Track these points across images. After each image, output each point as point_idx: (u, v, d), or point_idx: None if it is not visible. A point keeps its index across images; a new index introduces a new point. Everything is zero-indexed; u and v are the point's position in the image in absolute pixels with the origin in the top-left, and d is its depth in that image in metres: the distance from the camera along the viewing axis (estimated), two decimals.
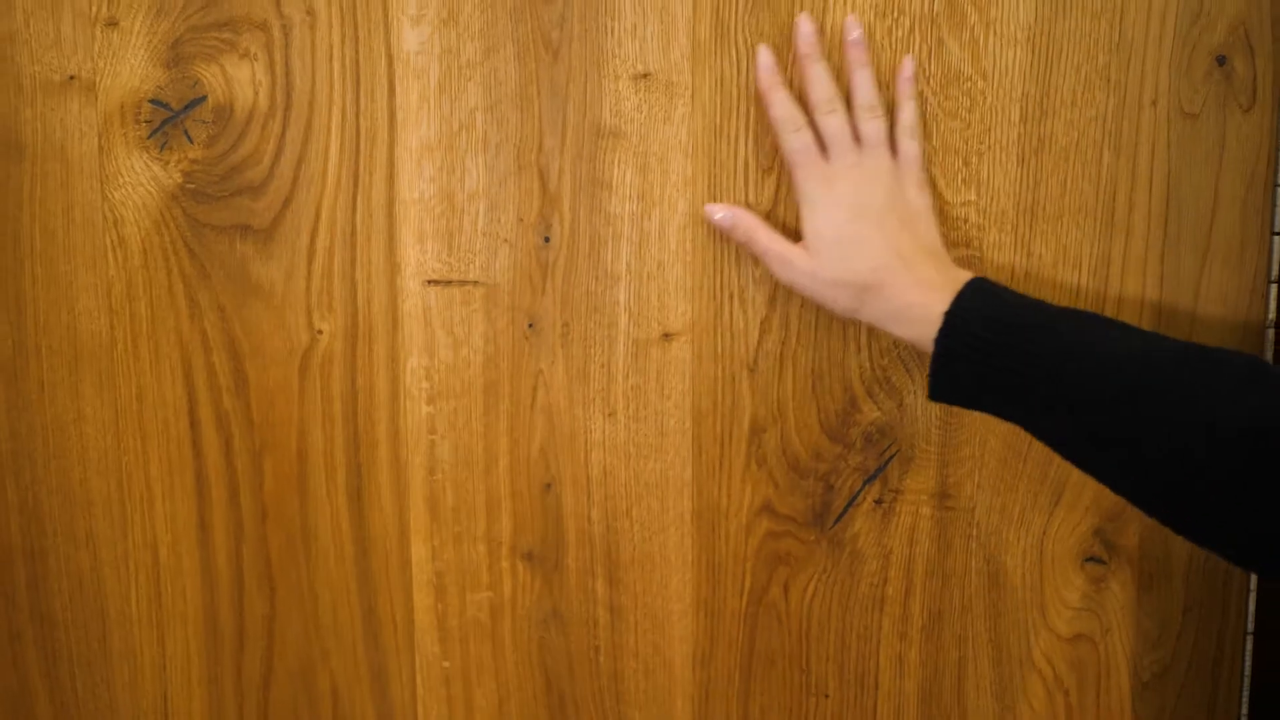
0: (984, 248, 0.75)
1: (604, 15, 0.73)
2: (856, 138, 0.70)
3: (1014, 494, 0.77)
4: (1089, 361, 0.60)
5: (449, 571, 0.79)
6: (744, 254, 0.75)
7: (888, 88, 0.72)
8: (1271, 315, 0.76)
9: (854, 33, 0.71)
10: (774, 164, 0.74)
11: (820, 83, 0.70)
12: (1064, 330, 0.62)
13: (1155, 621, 0.79)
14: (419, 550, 0.79)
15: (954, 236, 0.75)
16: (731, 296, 0.76)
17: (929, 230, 0.70)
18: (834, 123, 0.70)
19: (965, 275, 0.67)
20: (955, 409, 0.76)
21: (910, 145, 0.71)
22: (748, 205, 0.74)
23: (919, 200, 0.70)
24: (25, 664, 0.83)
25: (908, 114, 0.71)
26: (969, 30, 0.73)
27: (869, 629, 0.79)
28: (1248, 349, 0.75)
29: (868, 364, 0.76)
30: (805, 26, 0.71)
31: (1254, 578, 0.78)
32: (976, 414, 0.75)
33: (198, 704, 0.82)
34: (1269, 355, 0.75)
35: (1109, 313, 0.75)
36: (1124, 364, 0.59)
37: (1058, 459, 0.75)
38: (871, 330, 0.76)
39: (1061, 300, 0.75)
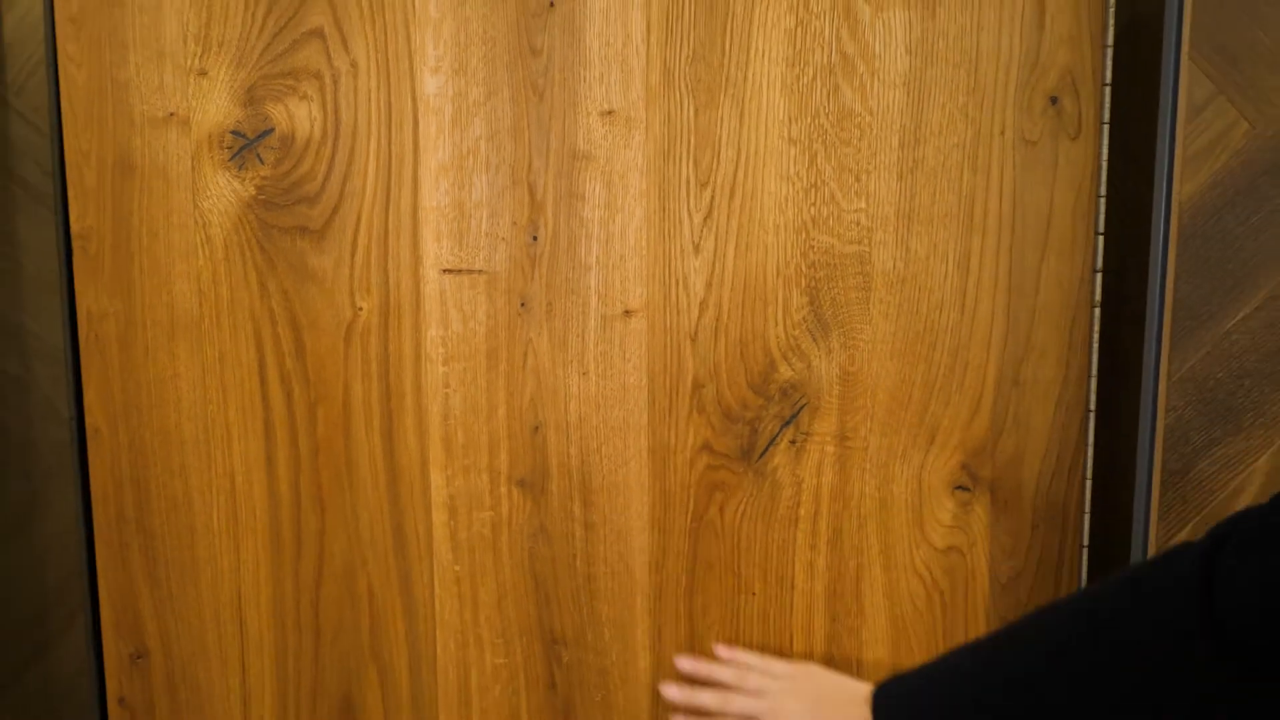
0: (871, 245, 0.97)
1: (578, 66, 0.95)
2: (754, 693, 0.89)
3: (898, 435, 0.99)
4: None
5: (459, 496, 1.02)
6: (686, 251, 0.97)
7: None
8: (1097, 297, 0.97)
9: (723, 655, 0.94)
10: (710, 179, 0.96)
11: (714, 700, 0.90)
12: (978, 677, 0.72)
13: (1010, 537, 1.00)
14: (436, 479, 1.02)
15: (849, 235, 0.96)
16: (677, 282, 0.98)
17: (839, 687, 0.87)
18: (735, 706, 0.88)
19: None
20: (853, 370, 0.98)
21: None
22: (691, 252, 0.97)
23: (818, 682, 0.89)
24: (132, 567, 1.06)
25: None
26: (859, 77, 0.95)
27: (786, 541, 1.01)
28: (1078, 325, 0.97)
29: (783, 335, 0.98)
30: (685, 665, 0.94)
31: (1089, 501, 1.00)
32: (870, 372, 0.97)
33: (264, 599, 1.05)
34: (1094, 331, 0.97)
35: (970, 298, 0.97)
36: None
37: (933, 408, 0.97)
38: (786, 307, 0.98)
39: (932, 281, 0.97)
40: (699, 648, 1.02)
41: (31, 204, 1.13)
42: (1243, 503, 0.91)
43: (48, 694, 1.16)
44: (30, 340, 1.14)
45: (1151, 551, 0.92)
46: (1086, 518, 1.00)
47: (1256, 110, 0.86)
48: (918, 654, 1.01)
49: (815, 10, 0.94)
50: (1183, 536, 0.91)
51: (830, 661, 1.02)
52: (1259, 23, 0.85)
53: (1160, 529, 0.91)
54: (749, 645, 1.02)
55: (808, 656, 1.02)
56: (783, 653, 1.02)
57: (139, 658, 1.06)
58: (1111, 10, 0.93)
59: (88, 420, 1.03)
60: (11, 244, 1.15)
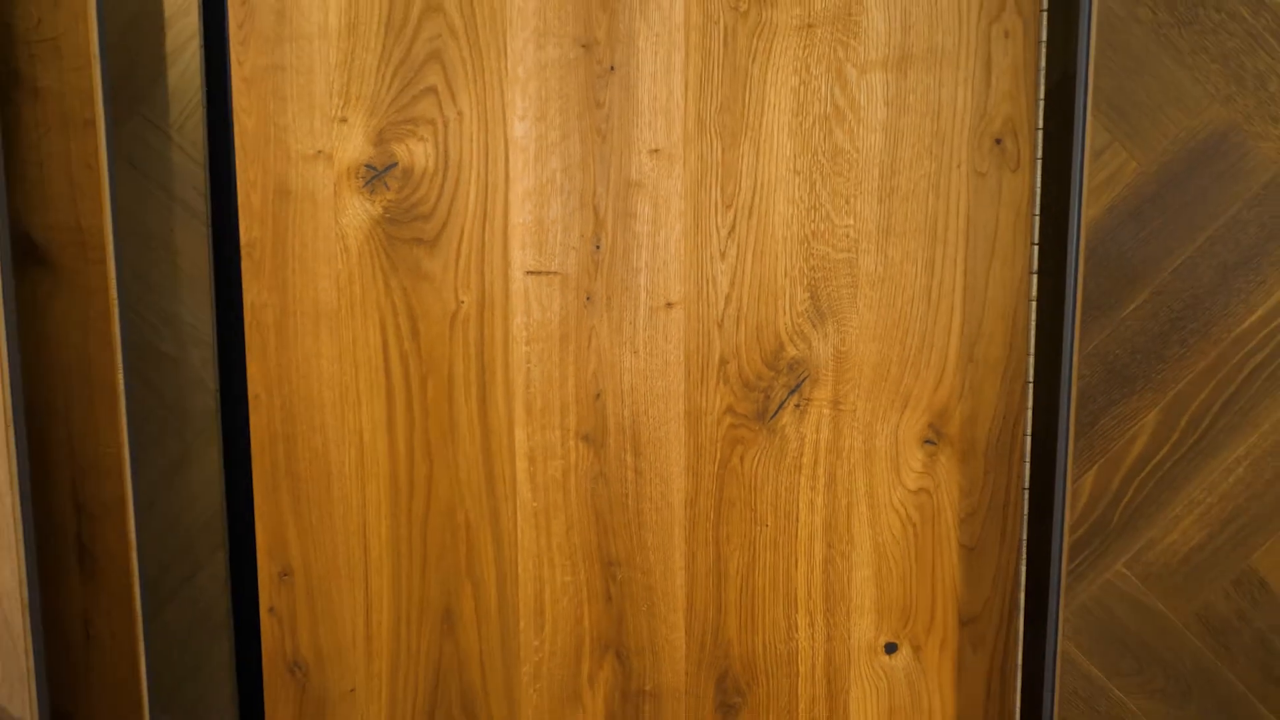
0: (858, 253, 1.25)
1: (632, 115, 1.25)
2: None
3: (879, 400, 1.28)
4: None
5: (537, 448, 1.31)
6: (714, 257, 1.26)
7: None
8: (1033, 294, 1.25)
9: None
10: (733, 202, 1.25)
11: None
12: None
13: (967, 480, 1.29)
14: (519, 435, 1.31)
15: (841, 245, 1.25)
16: (707, 282, 1.27)
17: None
18: None
19: None
20: (844, 350, 1.27)
21: None
22: (714, 228, 1.26)
23: None
24: (281, 503, 1.35)
25: None
26: (848, 124, 1.24)
27: (792, 484, 1.30)
28: (1019, 315, 1.25)
29: (790, 322, 1.27)
30: None
31: (1029, 450, 1.28)
32: (858, 352, 1.26)
33: (384, 530, 1.35)
34: (1032, 319, 1.25)
35: (934, 294, 1.25)
36: None
37: (907, 379, 1.25)
38: (792, 301, 1.26)
39: (905, 281, 1.25)
40: (723, 568, 1.31)
41: (189, 218, 1.43)
42: (1134, 451, 1.19)
43: (196, 608, 1.46)
44: (184, 327, 1.44)
45: (1070, 489, 1.20)
46: (1026, 464, 1.28)
47: (1141, 153, 1.14)
48: (896, 573, 1.30)
49: (814, 73, 1.23)
50: (1088, 478, 1.20)
51: (826, 578, 1.31)
52: (1141, 88, 1.14)
53: (1074, 470, 1.20)
54: (762, 566, 1.31)
55: (808, 574, 1.31)
56: (788, 571, 1.31)
57: (285, 575, 1.35)
58: (1041, 74, 1.22)
59: (250, 388, 1.33)
60: (171, 250, 1.45)
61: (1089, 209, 1.16)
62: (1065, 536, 1.22)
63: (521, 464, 1.32)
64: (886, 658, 1.32)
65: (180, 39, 1.37)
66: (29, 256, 1.19)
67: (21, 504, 1.12)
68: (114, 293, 1.20)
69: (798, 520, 1.30)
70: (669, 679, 1.33)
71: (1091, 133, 1.15)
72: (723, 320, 1.27)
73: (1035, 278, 1.25)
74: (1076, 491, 1.21)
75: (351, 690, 1.36)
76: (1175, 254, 1.16)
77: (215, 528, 1.45)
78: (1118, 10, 1.13)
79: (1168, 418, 1.19)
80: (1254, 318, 1.17)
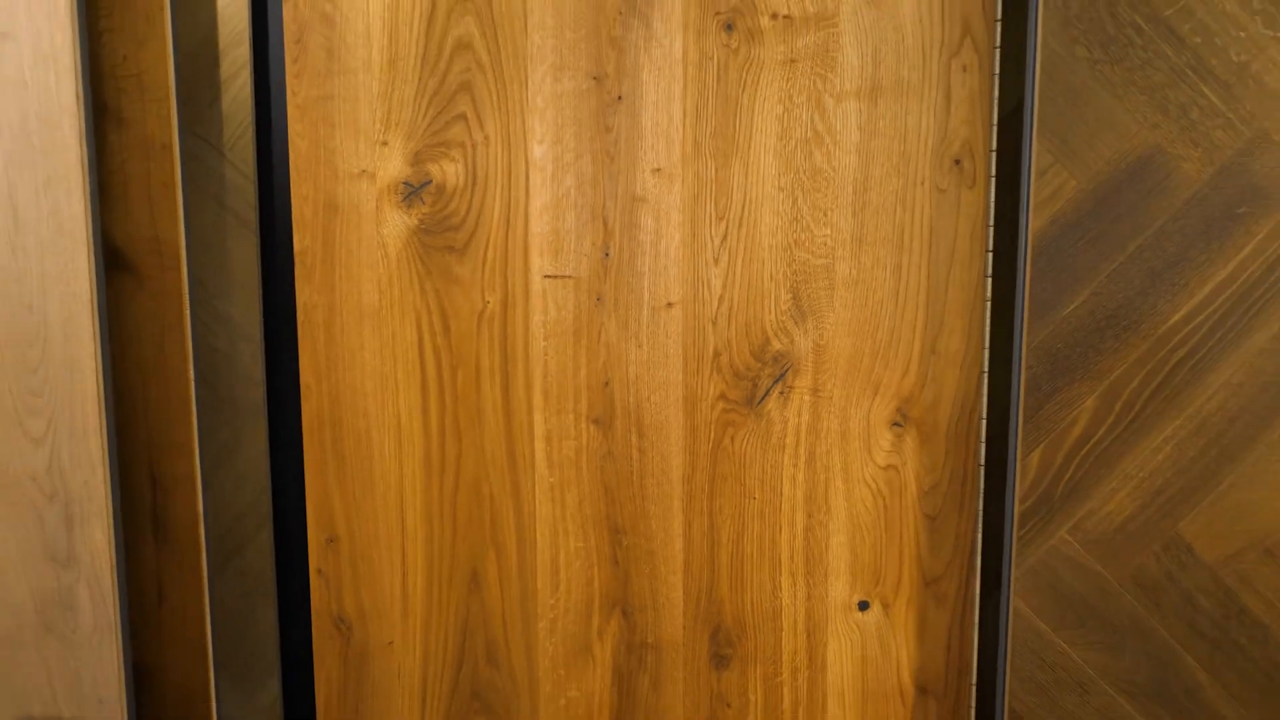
0: (834, 259, 1.43)
1: (636, 139, 1.42)
2: None
3: (853, 388, 1.46)
4: None
5: (554, 430, 1.49)
6: (709, 263, 1.44)
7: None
8: (987, 295, 1.43)
9: None
10: (725, 215, 1.43)
11: None
12: None
13: (930, 458, 1.46)
14: (537, 418, 1.49)
15: (820, 252, 1.43)
16: (703, 284, 1.45)
17: None
18: None
19: None
20: (823, 344, 1.44)
21: None
22: (709, 238, 1.43)
23: None
24: (328, 478, 1.54)
25: None
26: (826, 146, 1.41)
27: (776, 462, 1.48)
28: (975, 314, 1.43)
29: (775, 320, 1.45)
30: None
31: (984, 432, 1.45)
32: (834, 345, 1.44)
33: (418, 502, 1.53)
34: (986, 318, 1.43)
35: (901, 295, 1.43)
36: None
37: (877, 369, 1.43)
38: (777, 301, 1.44)
39: (875, 284, 1.43)
40: (716, 535, 1.49)
41: (239, 228, 1.61)
42: (1075, 432, 1.37)
43: (245, 577, 1.64)
44: (235, 326, 1.62)
45: (1019, 465, 1.38)
46: (982, 444, 1.46)
47: (1079, 173, 1.32)
48: (868, 540, 1.48)
49: (796, 102, 1.40)
50: (1035, 455, 1.37)
51: (807, 544, 1.49)
52: (1079, 116, 1.31)
53: (1022, 449, 1.37)
54: (750, 534, 1.49)
55: (791, 541, 1.49)
56: (773, 538, 1.49)
57: (332, 541, 1.54)
58: (995, 103, 1.39)
59: (301, 379, 1.51)
60: (224, 256, 1.63)
61: (1035, 221, 1.33)
62: (1015, 507, 1.39)
63: (539, 444, 1.50)
64: (860, 614, 1.50)
65: (233, 69, 1.55)
66: (115, 264, 1.37)
67: (110, 478, 1.31)
68: (186, 295, 1.38)
69: (781, 493, 1.48)
70: (668, 633, 1.51)
71: (1037, 155, 1.32)
72: (716, 318, 1.45)
73: (989, 281, 1.43)
74: (1025, 468, 1.38)
75: (390, 643, 1.54)
76: (1109, 260, 1.34)
77: (262, 505, 1.63)
78: (1058, 49, 1.31)
79: (1104, 403, 1.36)
80: (1178, 316, 1.34)
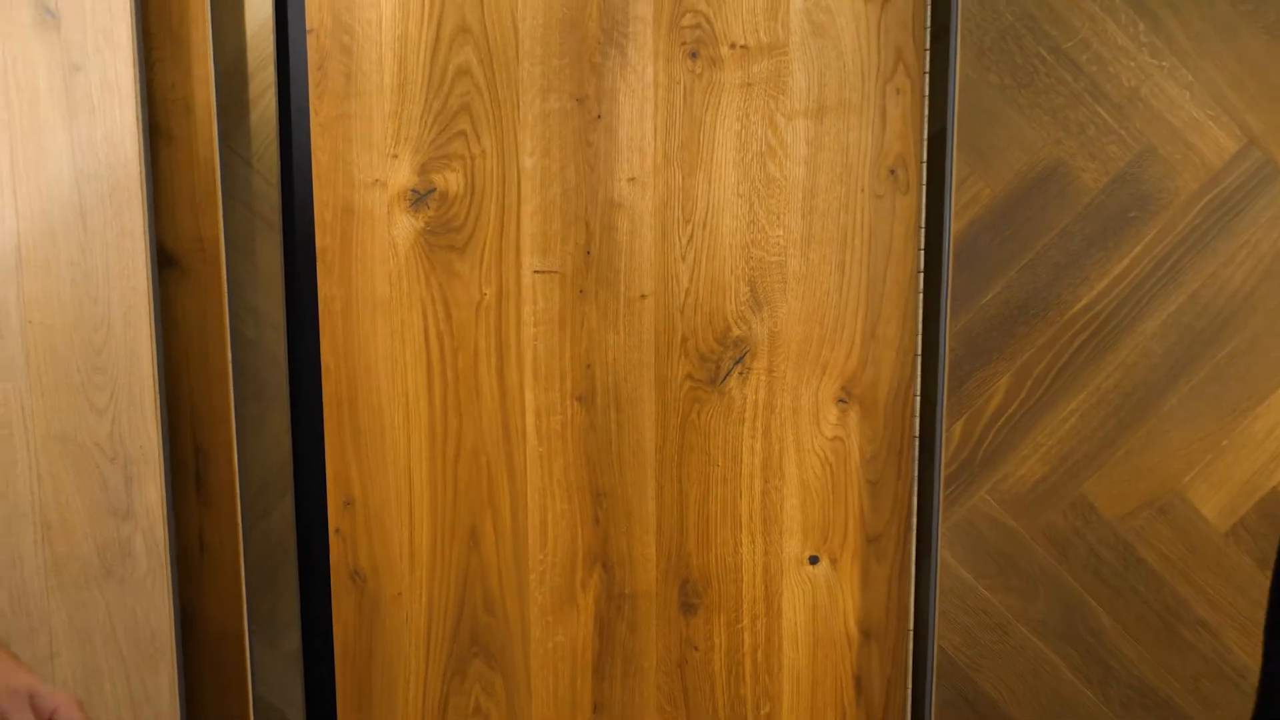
0: (786, 257, 1.64)
1: (614, 152, 1.64)
2: None
3: (804, 369, 1.67)
4: None
5: (542, 406, 1.71)
6: (677, 260, 1.65)
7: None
8: (920, 288, 1.64)
9: None
10: (691, 218, 1.64)
11: None
12: None
13: (871, 429, 1.68)
14: (528, 396, 1.71)
15: (774, 250, 1.64)
16: (672, 279, 1.66)
17: None
18: None
19: None
20: (777, 330, 1.66)
21: None
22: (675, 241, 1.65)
23: None
24: (346, 448, 1.75)
25: None
26: (778, 158, 1.63)
27: (737, 434, 1.69)
28: (909, 304, 1.64)
29: (734, 309, 1.66)
30: None
31: (918, 407, 1.67)
32: (787, 332, 1.65)
33: (425, 468, 1.74)
34: (919, 308, 1.64)
35: (844, 289, 1.64)
36: None
37: (824, 353, 1.64)
38: (737, 293, 1.65)
39: (822, 278, 1.64)
40: (684, 498, 1.71)
41: (265, 229, 1.83)
42: (992, 406, 1.58)
43: (269, 538, 1.86)
44: (262, 316, 1.84)
45: (945, 435, 1.59)
46: (915, 419, 1.67)
47: (993, 182, 1.53)
48: (817, 502, 1.69)
49: (752, 120, 1.62)
50: (958, 427, 1.58)
51: (763, 506, 1.70)
52: (993, 133, 1.53)
53: (947, 422, 1.59)
54: (714, 497, 1.70)
55: (749, 503, 1.70)
56: (735, 501, 1.70)
57: (348, 504, 1.76)
58: (925, 122, 1.60)
59: (322, 360, 1.73)
60: (251, 254, 1.85)
61: (956, 223, 1.55)
62: (942, 472, 1.61)
63: (530, 418, 1.71)
64: (810, 568, 1.71)
65: (259, 89, 1.77)
66: (165, 262, 1.59)
67: (162, 444, 1.52)
68: (225, 288, 1.61)
69: (741, 461, 1.70)
70: (643, 584, 1.73)
71: (957, 167, 1.54)
72: (684, 308, 1.67)
73: (921, 275, 1.64)
74: (950, 438, 1.60)
75: (399, 594, 1.76)
76: (1020, 257, 1.55)
77: (284, 474, 1.85)
78: (974, 77, 1.52)
79: (1016, 381, 1.58)
80: (1079, 305, 1.56)
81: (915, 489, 1.69)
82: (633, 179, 1.64)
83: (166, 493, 1.54)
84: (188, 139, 1.57)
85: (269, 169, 1.81)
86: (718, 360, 1.68)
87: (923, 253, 1.64)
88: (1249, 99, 1.50)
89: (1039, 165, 1.53)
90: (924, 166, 1.62)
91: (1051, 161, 1.53)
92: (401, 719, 1.77)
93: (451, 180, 1.67)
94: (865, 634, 1.73)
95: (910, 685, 1.74)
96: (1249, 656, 1.61)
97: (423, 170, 1.67)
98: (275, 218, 1.80)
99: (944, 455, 1.60)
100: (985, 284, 1.56)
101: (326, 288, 1.70)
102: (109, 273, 1.47)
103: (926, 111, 1.61)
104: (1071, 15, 1.50)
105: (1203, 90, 1.51)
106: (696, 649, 1.74)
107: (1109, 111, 1.51)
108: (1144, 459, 1.58)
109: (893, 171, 1.62)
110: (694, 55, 1.61)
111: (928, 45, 1.60)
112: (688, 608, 1.74)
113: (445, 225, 1.68)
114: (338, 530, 1.76)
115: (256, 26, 1.74)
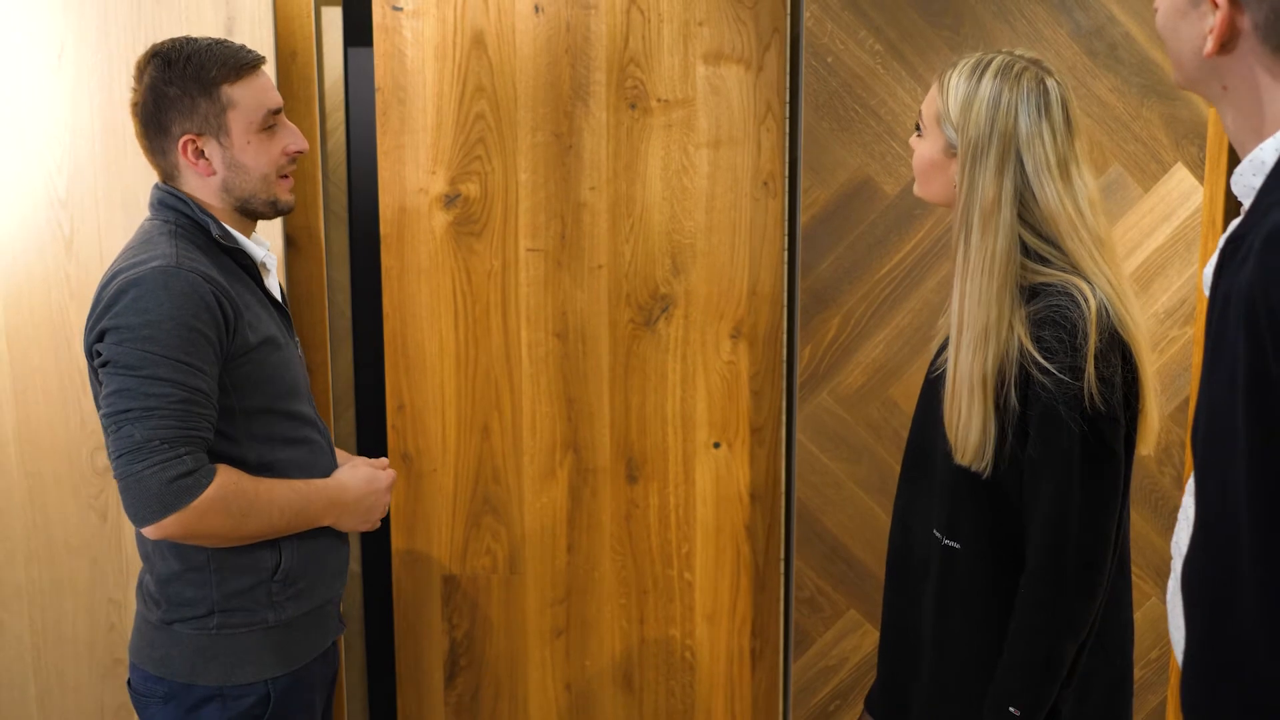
0: (696, 240, 2.47)
1: (580, 170, 2.46)
2: None
3: (709, 316, 2.49)
4: None
5: (532, 341, 2.53)
6: (624, 242, 2.48)
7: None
8: (785, 261, 2.47)
9: None
10: (631, 214, 2.47)
11: None
12: None
13: (754, 355, 2.51)
14: (523, 333, 2.53)
15: (687, 235, 2.47)
16: (619, 255, 2.48)
17: None
18: None
19: None
20: (690, 290, 2.48)
21: None
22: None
23: None
24: (399, 371, 2.57)
25: None
26: (689, 173, 2.45)
27: (664, 361, 2.52)
28: (778, 274, 2.46)
29: (662, 275, 2.49)
30: None
31: (784, 340, 2.50)
32: (698, 291, 2.48)
33: (452, 383, 2.56)
34: (785, 276, 2.47)
35: (735, 262, 2.47)
36: None
37: (721, 304, 2.49)
38: (662, 264, 2.48)
39: (720, 255, 2.47)
40: (628, 403, 2.54)
41: (337, 223, 2.65)
42: (829, 337, 2.41)
43: (340, 435, 2.68)
44: (334, 282, 2.66)
45: (800, 357, 2.43)
46: (783, 348, 2.50)
47: (826, 191, 2.37)
48: (718, 404, 2.52)
49: (672, 149, 2.45)
50: (807, 351, 2.41)
51: (683, 407, 2.53)
52: (826, 157, 2.36)
53: (800, 348, 2.42)
54: (649, 403, 2.53)
55: (674, 405, 2.53)
56: (662, 405, 2.53)
57: (401, 408, 2.57)
58: (786, 150, 2.44)
59: (384, 309, 2.55)
60: (328, 239, 2.67)
61: (803, 218, 2.38)
62: (798, 380, 2.44)
63: (524, 349, 2.53)
64: (715, 450, 2.54)
65: (333, 124, 2.60)
66: (289, 244, 2.41)
67: None
68: (324, 262, 2.43)
69: (667, 378, 2.53)
70: (601, 462, 2.56)
71: (804, 179, 2.37)
72: (627, 274, 2.49)
73: (785, 253, 2.47)
74: (802, 358, 2.43)
75: (434, 469, 2.59)
76: (844, 240, 2.38)
77: (349, 394, 2.68)
78: (814, 122, 2.35)
79: (844, 321, 2.41)
80: (883, 271, 2.39)
81: (784, 394, 2.52)
82: (593, 188, 2.47)
83: None
84: (304, 161, 2.39)
85: (340, 179, 2.64)
86: (650, 310, 2.50)
87: (785, 238, 2.47)
88: None
89: (855, 180, 2.37)
90: (785, 180, 2.45)
91: (863, 177, 2.36)
92: (436, 557, 2.60)
93: (472, 188, 2.49)
94: (752, 496, 2.56)
95: (783, 528, 2.58)
96: None
97: (452, 182, 2.49)
98: (344, 215, 2.63)
99: (799, 371, 2.43)
100: (823, 257, 2.39)
101: (388, 261, 2.53)
102: None
103: (786, 144, 2.44)
104: (875, 84, 2.34)
105: None
106: (637, 507, 2.57)
107: (899, 145, 2.35)
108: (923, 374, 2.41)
109: (765, 183, 2.45)
110: (633, 106, 2.44)
111: (787, 101, 2.43)
112: (631, 478, 2.56)
113: (467, 219, 2.50)
114: (394, 426, 2.58)
115: (331, 83, 2.57)
